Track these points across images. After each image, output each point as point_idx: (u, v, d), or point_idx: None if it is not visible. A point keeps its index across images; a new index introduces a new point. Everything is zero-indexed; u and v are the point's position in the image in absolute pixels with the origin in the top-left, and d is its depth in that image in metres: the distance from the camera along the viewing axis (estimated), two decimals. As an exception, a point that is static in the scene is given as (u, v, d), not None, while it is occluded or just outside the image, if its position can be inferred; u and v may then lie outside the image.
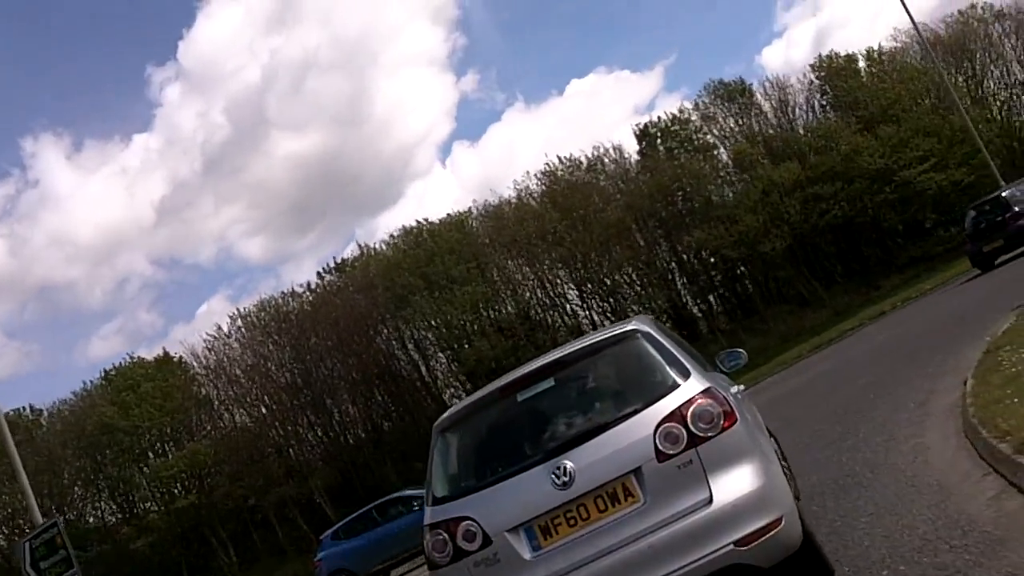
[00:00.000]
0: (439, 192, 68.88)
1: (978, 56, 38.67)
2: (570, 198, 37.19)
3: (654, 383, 4.63)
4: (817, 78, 39.28)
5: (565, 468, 4.31)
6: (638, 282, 37.97)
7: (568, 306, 38.91)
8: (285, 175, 65.20)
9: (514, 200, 39.03)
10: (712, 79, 39.72)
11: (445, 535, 4.44)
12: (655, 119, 39.89)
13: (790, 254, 36.36)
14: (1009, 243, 21.45)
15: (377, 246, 41.70)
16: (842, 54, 39.22)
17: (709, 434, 4.30)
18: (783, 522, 4.20)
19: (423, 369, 39.81)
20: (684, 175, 36.92)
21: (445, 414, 5.18)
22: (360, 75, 68.51)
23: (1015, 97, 39.46)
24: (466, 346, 37.40)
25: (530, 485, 4.39)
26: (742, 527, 4.14)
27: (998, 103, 39.13)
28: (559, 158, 39.05)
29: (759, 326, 35.66)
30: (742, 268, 38.46)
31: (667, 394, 4.48)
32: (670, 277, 38.83)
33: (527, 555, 4.33)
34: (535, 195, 38.80)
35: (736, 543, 4.12)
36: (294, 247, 70.55)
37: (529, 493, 4.38)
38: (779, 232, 35.36)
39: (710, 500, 4.20)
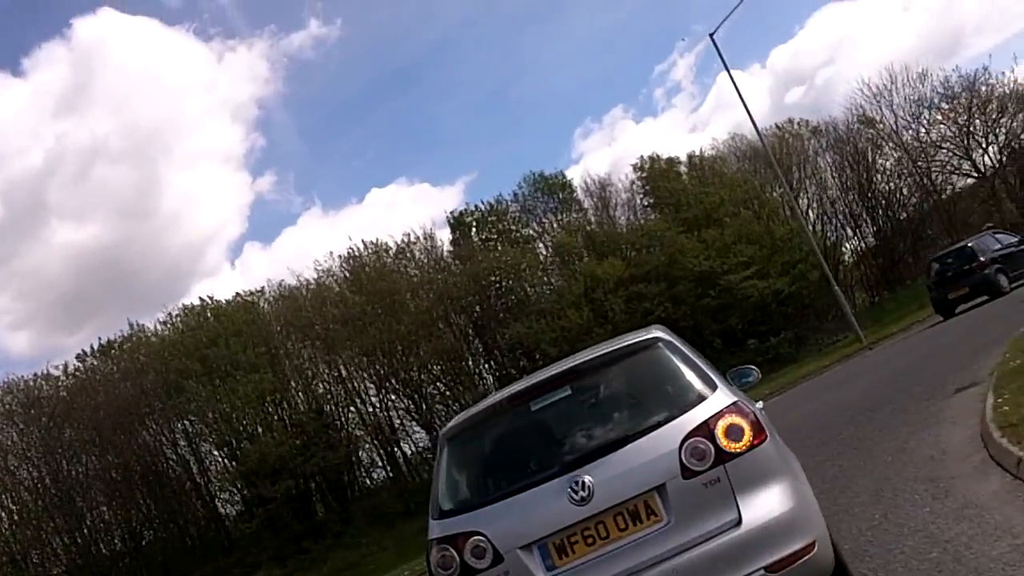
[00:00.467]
0: (226, 292, 65.02)
1: (795, 170, 38.89)
2: (376, 283, 34.04)
3: (678, 395, 4.48)
4: (639, 179, 38.33)
5: (583, 483, 4.14)
6: (443, 379, 34.80)
7: (367, 403, 35.17)
8: (61, 265, 60.88)
9: (313, 283, 35.46)
10: (532, 171, 37.97)
11: (452, 551, 4.24)
12: (471, 207, 37.60)
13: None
14: (974, 291, 23.28)
15: (152, 326, 36.56)
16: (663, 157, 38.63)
17: (738, 451, 4.15)
18: (816, 547, 4.05)
19: (194, 469, 34.81)
20: (500, 266, 34.63)
21: (453, 422, 4.95)
22: (151, 167, 64.93)
23: (827, 213, 39.93)
24: (247, 443, 32.88)
25: (545, 500, 4.20)
26: (773, 551, 3.97)
27: (811, 217, 39.35)
28: (364, 242, 35.94)
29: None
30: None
31: (693, 407, 4.32)
32: (480, 374, 35.92)
33: (540, 574, 4.13)
34: (337, 278, 35.39)
35: (767, 568, 3.95)
36: (64, 343, 65.88)
37: (544, 508, 4.18)
38: (602, 331, 33.41)
39: (739, 521, 4.04)
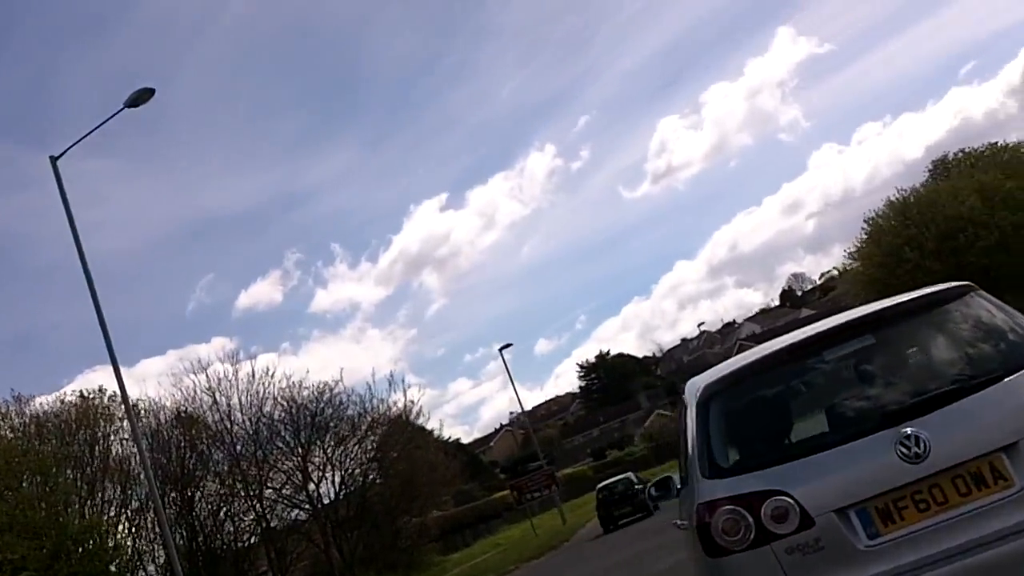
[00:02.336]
0: None
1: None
2: None
3: (1014, 346, 3.99)
4: None
5: (917, 438, 3.62)
6: None
7: None
8: None
9: None
10: None
11: (743, 513, 3.70)
12: None
13: None
14: (635, 510, 31.59)
15: None
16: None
17: None
18: None
19: None
20: None
21: (714, 376, 4.46)
22: None
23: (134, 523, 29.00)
24: None
25: (867, 456, 3.67)
26: None
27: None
28: None
29: None
30: None
31: None
32: None
33: (861, 543, 3.60)
34: None
35: None
36: None
37: (866, 466, 3.66)
38: None
39: None
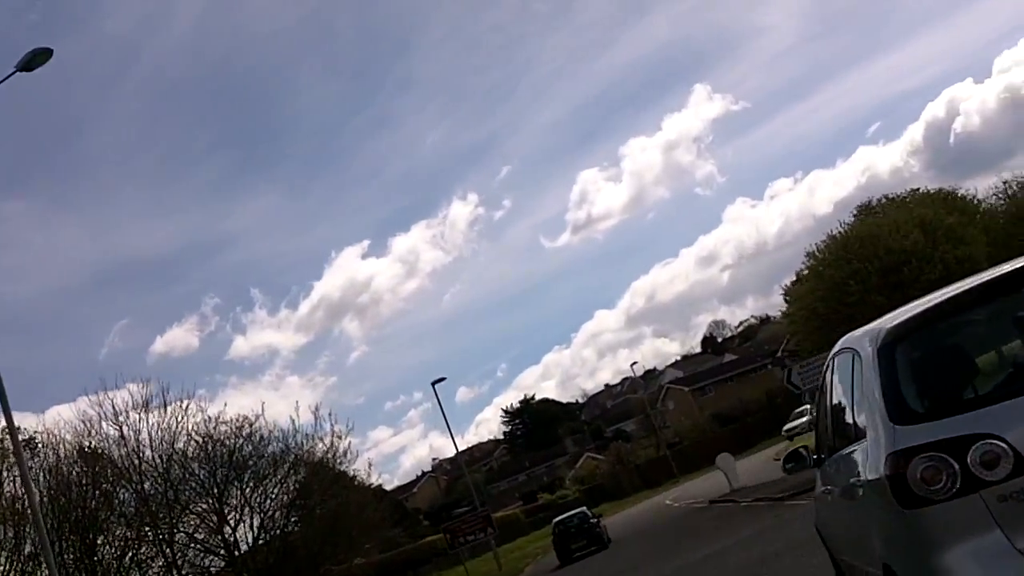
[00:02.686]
0: None
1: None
2: None
3: None
4: None
5: None
6: None
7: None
8: None
9: None
10: None
11: (947, 459, 3.43)
12: None
13: None
14: (590, 543, 32.95)
15: None
16: None
17: None
18: None
19: None
20: None
21: (897, 319, 4.22)
22: None
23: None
24: None
25: None
26: None
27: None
28: None
29: None
30: None
31: None
32: None
33: None
34: None
35: None
36: None
37: None
38: None
39: None
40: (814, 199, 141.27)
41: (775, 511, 19.40)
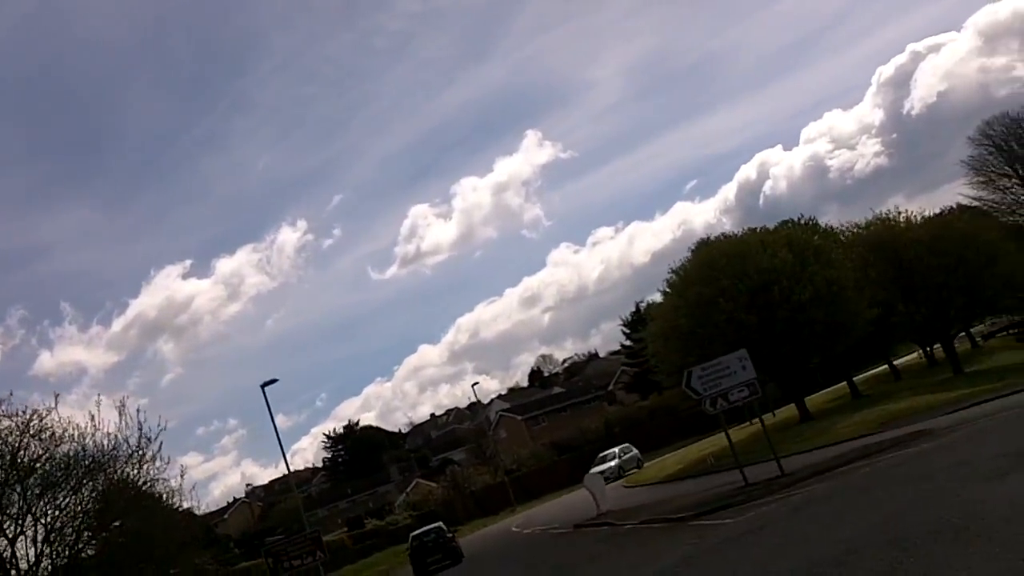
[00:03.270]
0: None
1: None
2: None
3: None
4: None
5: None
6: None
7: None
8: None
9: None
10: None
11: None
12: None
13: None
14: (445, 557, 33.55)
15: None
16: None
17: None
18: None
19: None
20: None
21: None
22: None
23: None
24: None
25: None
26: None
27: None
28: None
29: None
30: None
31: None
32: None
33: None
34: None
35: None
36: None
37: None
38: None
39: None
40: (633, 248, 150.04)
41: (679, 533, 16.80)
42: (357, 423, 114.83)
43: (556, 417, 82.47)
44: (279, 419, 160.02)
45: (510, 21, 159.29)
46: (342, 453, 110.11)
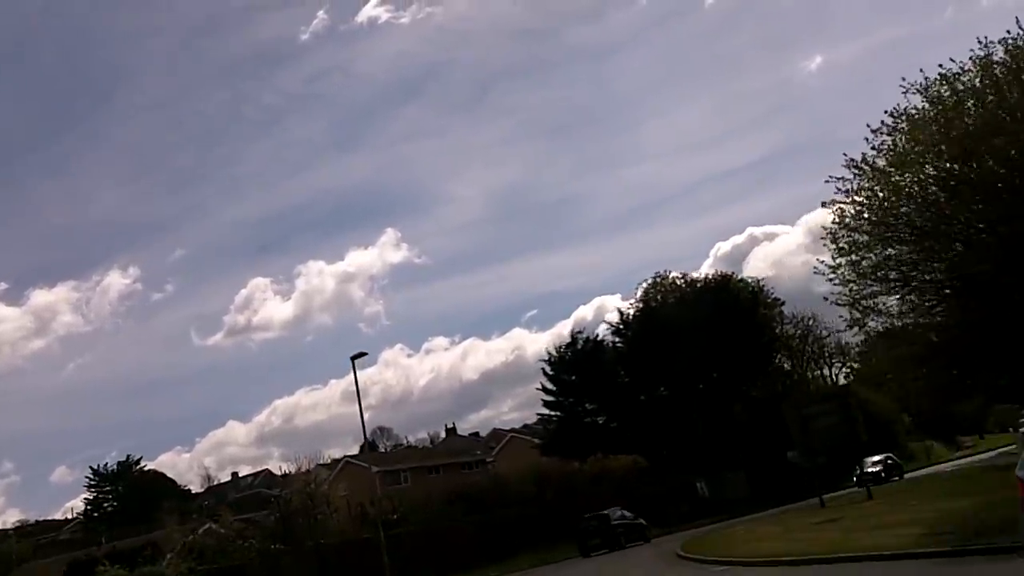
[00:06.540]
0: None
1: None
2: None
3: None
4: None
5: None
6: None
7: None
8: None
9: None
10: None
11: None
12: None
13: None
14: (604, 542, 39.52)
15: None
16: None
17: None
18: None
19: None
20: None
21: None
22: None
23: None
24: None
25: None
26: None
27: None
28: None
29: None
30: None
31: None
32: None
33: None
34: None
35: None
36: None
37: None
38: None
39: None
40: (465, 364, 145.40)
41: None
42: (138, 460, 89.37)
43: (423, 479, 61.68)
44: (60, 472, 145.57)
45: (387, 121, 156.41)
46: (109, 496, 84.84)
